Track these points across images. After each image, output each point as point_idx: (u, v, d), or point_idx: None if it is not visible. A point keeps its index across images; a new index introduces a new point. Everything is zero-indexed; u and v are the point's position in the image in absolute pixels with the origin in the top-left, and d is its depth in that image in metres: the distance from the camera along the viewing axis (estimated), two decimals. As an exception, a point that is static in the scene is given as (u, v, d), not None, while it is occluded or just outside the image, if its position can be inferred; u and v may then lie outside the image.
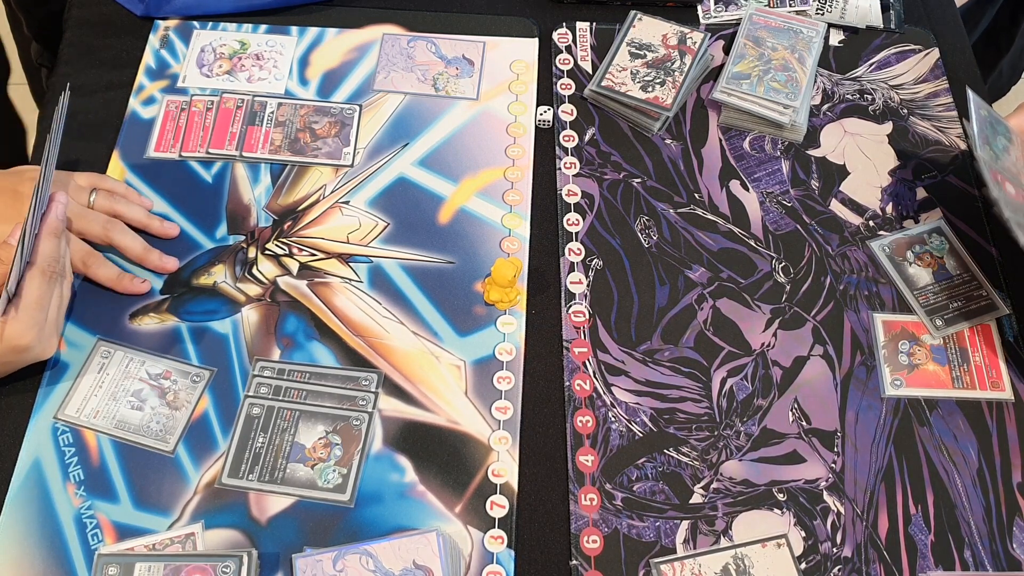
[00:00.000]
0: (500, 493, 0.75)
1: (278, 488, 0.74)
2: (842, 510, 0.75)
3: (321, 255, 0.85)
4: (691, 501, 0.75)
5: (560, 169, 0.91)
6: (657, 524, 0.74)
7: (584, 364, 0.81)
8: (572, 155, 0.92)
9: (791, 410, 0.79)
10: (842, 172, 0.92)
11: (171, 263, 0.84)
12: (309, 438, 0.76)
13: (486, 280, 0.84)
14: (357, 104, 0.94)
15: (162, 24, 0.99)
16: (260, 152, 0.91)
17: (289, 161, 0.90)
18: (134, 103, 0.94)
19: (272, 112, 0.93)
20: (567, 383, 0.80)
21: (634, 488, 0.75)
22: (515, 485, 0.75)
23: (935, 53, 0.99)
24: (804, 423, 0.78)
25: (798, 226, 0.88)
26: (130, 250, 0.83)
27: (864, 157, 0.93)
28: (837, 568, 0.72)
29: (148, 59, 0.97)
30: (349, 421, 0.77)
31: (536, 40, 0.99)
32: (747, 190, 0.91)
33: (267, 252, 0.86)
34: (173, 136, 0.91)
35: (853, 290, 0.85)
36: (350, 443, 0.76)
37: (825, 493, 0.75)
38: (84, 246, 0.81)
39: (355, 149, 0.91)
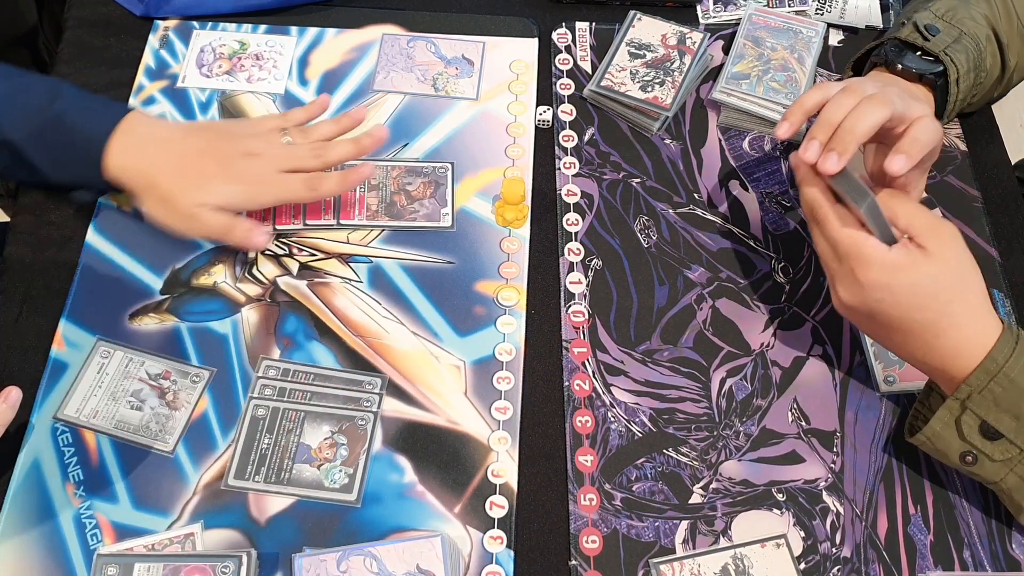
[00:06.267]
0: (499, 493, 0.75)
1: (285, 489, 0.74)
2: (841, 510, 0.75)
3: (321, 255, 0.85)
4: (690, 501, 0.75)
5: (559, 169, 0.91)
6: (656, 524, 0.74)
7: (583, 364, 0.81)
8: (571, 155, 0.92)
9: (790, 410, 0.79)
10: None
11: (380, 132, 0.85)
12: (315, 439, 0.76)
13: (496, 204, 0.86)
14: (449, 162, 0.91)
15: (162, 24, 0.99)
16: (358, 219, 0.87)
17: (389, 226, 0.87)
18: (134, 103, 0.94)
19: None
20: (566, 383, 0.80)
21: (633, 488, 0.75)
22: (514, 485, 0.75)
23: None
24: (803, 423, 0.78)
25: (797, 226, 0.88)
26: (348, 155, 0.84)
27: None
28: (836, 568, 0.72)
29: (148, 59, 0.97)
30: (354, 421, 0.77)
31: (536, 40, 0.99)
32: (747, 190, 0.91)
33: (267, 252, 0.86)
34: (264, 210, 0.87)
35: (852, 290, 0.85)
36: (356, 443, 0.76)
37: (824, 493, 0.75)
38: (301, 175, 0.82)
39: (453, 209, 0.88)
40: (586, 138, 0.93)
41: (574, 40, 1.00)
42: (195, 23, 0.99)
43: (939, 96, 0.83)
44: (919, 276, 0.66)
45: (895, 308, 0.67)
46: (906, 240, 0.68)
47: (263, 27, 0.99)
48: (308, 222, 0.87)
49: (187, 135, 0.82)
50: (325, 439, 0.76)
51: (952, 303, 0.67)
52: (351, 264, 0.85)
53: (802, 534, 0.74)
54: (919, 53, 0.82)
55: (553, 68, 0.98)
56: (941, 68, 0.81)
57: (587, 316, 0.83)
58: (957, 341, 0.67)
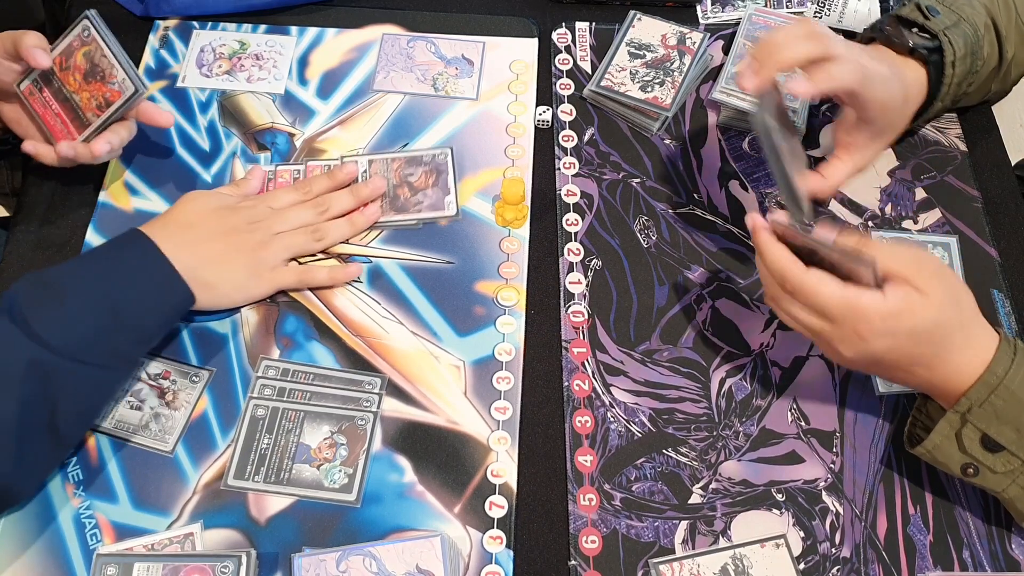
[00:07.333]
0: (499, 493, 0.75)
1: (284, 489, 0.74)
2: (841, 510, 0.75)
3: (321, 255, 0.85)
4: (690, 501, 0.75)
5: (559, 169, 0.91)
6: (656, 524, 0.74)
7: (583, 364, 0.81)
8: (571, 155, 0.92)
9: (790, 410, 0.79)
10: (841, 172, 0.92)
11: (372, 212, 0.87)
12: (314, 439, 0.76)
13: (496, 204, 0.86)
14: (448, 147, 0.91)
15: (162, 24, 0.99)
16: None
17: (395, 222, 0.87)
18: (134, 103, 0.94)
19: (365, 171, 0.89)
20: (566, 383, 0.80)
21: (633, 488, 0.75)
22: (514, 485, 0.75)
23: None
24: (803, 423, 0.78)
25: (797, 226, 0.88)
26: (344, 235, 0.86)
27: (863, 157, 0.93)
28: (836, 568, 0.72)
29: (148, 59, 0.97)
30: (354, 421, 0.77)
31: (535, 40, 0.99)
32: (746, 190, 0.91)
33: (266, 252, 0.85)
34: None
35: (852, 290, 0.85)
36: (355, 443, 0.76)
37: (824, 493, 0.75)
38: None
39: (456, 196, 0.89)
40: (586, 138, 0.93)
41: (574, 40, 1.00)
42: (195, 23, 0.99)
43: (933, 73, 0.83)
44: (918, 320, 0.65)
45: (899, 351, 0.67)
46: (895, 280, 0.66)
47: (263, 27, 0.99)
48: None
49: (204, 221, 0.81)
50: (325, 439, 0.76)
51: (952, 333, 0.67)
52: (351, 264, 0.85)
53: (801, 534, 0.74)
54: (915, 30, 0.83)
55: (553, 68, 0.98)
56: (935, 44, 0.82)
57: (587, 316, 0.83)
58: (958, 363, 0.67)
